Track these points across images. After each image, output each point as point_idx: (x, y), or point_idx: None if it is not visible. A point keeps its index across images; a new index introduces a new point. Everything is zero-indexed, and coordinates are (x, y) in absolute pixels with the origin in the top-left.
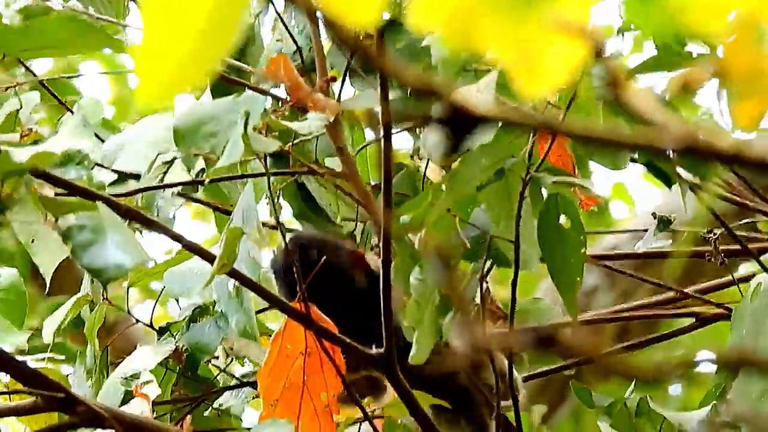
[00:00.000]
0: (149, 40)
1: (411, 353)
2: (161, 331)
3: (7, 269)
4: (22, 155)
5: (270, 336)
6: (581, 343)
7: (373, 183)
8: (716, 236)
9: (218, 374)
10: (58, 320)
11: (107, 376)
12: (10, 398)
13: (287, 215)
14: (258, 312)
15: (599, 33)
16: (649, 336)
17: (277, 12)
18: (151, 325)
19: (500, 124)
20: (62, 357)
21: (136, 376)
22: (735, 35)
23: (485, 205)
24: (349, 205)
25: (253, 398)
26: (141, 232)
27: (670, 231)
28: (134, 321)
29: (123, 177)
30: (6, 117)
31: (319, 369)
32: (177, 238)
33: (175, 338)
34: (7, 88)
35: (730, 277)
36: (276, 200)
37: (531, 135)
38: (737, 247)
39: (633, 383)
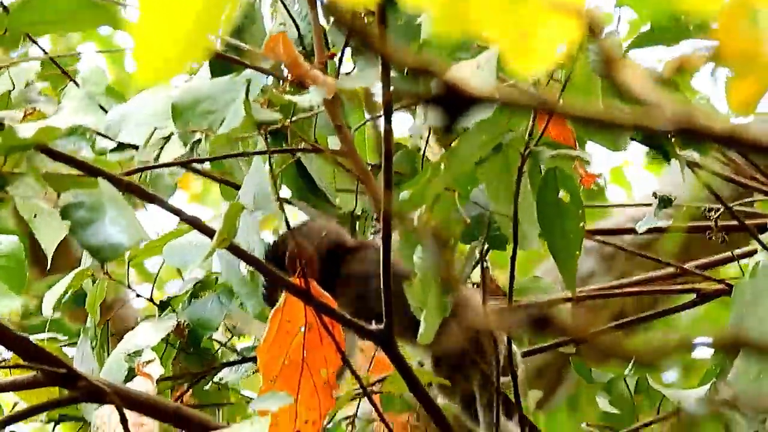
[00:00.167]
0: (147, 19)
1: (419, 332)
2: (162, 306)
3: (8, 237)
4: (27, 130)
5: None
6: (577, 323)
7: (371, 164)
8: (717, 214)
9: (219, 348)
10: (59, 293)
11: (107, 351)
12: (10, 372)
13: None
14: None
15: (594, 11)
16: (650, 312)
17: None
18: (151, 300)
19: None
20: (62, 336)
21: (138, 353)
22: (730, 16)
23: (485, 183)
24: (349, 183)
25: (253, 373)
26: (145, 207)
27: (670, 210)
28: (135, 296)
29: (121, 146)
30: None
31: (319, 345)
32: (177, 212)
33: (176, 313)
34: (7, 66)
35: (729, 253)
36: (278, 181)
37: (531, 114)
38: (736, 223)
39: (631, 363)
